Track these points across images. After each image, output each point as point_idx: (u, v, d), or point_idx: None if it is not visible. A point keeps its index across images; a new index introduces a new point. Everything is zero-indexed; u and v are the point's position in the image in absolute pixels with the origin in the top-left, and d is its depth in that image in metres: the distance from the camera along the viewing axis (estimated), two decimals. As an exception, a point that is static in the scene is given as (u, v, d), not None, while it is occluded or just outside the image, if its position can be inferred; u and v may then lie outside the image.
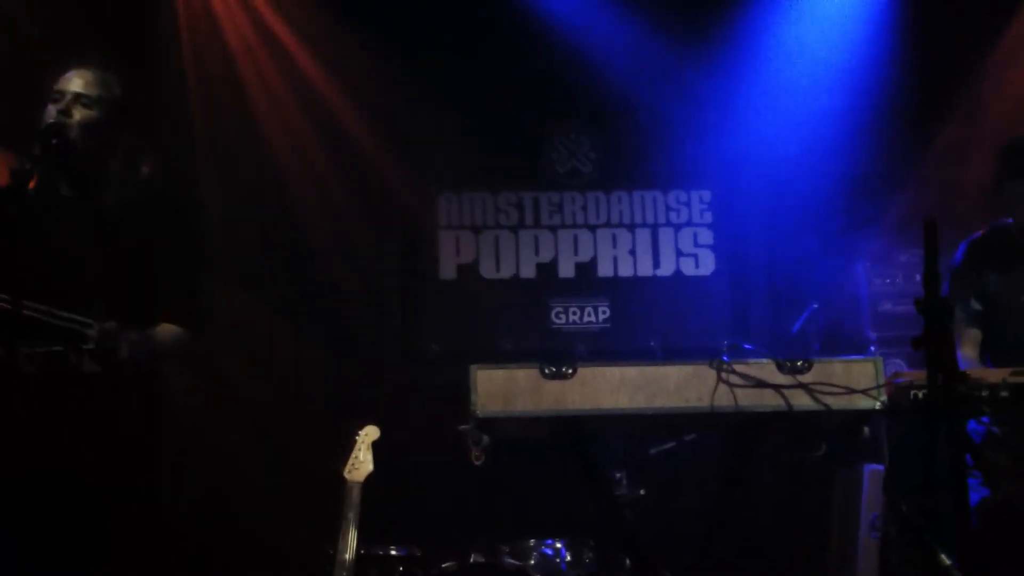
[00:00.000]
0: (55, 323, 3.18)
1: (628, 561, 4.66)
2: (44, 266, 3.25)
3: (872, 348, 5.04)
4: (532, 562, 4.68)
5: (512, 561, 4.66)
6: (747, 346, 3.35)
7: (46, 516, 3.17)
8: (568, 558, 4.71)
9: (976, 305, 3.97)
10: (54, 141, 3.28)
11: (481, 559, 4.59)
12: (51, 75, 3.48)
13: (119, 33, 5.37)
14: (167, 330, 3.42)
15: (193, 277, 3.56)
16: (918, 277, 5.08)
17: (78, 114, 3.35)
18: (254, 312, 5.74)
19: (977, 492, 3.50)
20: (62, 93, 3.37)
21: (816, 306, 5.12)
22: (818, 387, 3.19)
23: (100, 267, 3.35)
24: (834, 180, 5.88)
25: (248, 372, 5.65)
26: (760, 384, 3.20)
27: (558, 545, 4.71)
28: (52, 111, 3.34)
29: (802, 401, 3.20)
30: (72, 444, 3.23)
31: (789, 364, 3.22)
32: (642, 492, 4.83)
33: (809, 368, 3.22)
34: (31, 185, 3.18)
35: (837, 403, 3.20)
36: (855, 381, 3.22)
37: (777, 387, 3.19)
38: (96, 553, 3.21)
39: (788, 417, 3.21)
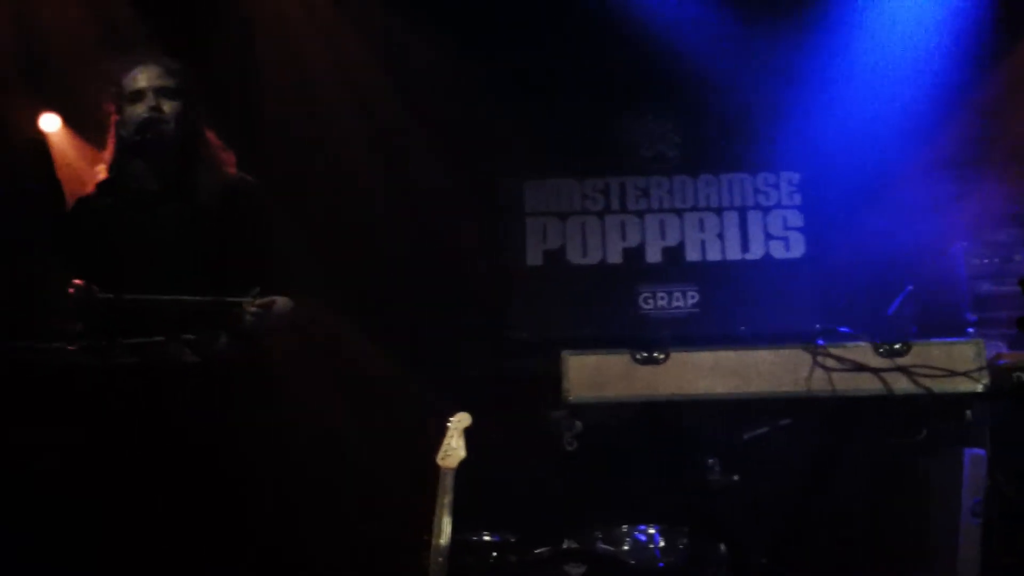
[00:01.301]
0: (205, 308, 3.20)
1: (723, 547, 4.62)
2: (138, 262, 3.31)
3: (970, 330, 4.92)
4: (625, 548, 4.67)
5: (605, 547, 4.65)
6: (843, 329, 3.29)
7: (147, 503, 3.24)
8: (662, 544, 4.68)
9: None
10: (148, 135, 3.31)
11: (574, 545, 4.59)
12: (109, 73, 3.48)
13: (182, 24, 5.47)
14: (284, 301, 3.43)
15: (274, 263, 3.60)
16: (1018, 256, 4.97)
17: (167, 107, 3.36)
18: (339, 302, 5.80)
19: None
20: (141, 92, 3.37)
21: (912, 288, 5.01)
22: (918, 370, 3.13)
23: (197, 258, 3.39)
24: (926, 158, 5.75)
25: (338, 364, 5.71)
26: (857, 367, 3.14)
27: (651, 531, 4.68)
28: (139, 109, 3.35)
29: (901, 385, 3.14)
30: (171, 434, 3.29)
31: (887, 347, 3.16)
32: (735, 478, 4.78)
33: (907, 351, 3.16)
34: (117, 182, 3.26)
35: (938, 386, 3.13)
36: (955, 363, 3.15)
37: (875, 370, 3.14)
38: (193, 543, 3.28)
39: (887, 401, 3.15)
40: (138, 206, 3.36)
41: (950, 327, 4.88)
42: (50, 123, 5.95)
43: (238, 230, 3.46)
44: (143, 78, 3.39)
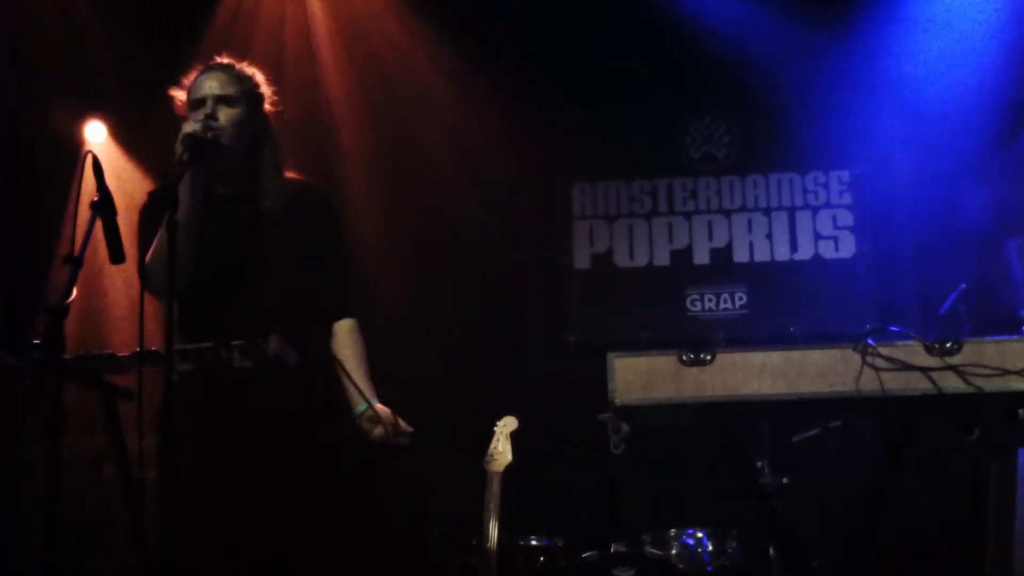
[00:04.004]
0: None
1: (772, 550, 4.59)
2: (211, 267, 3.32)
3: (1025, 328, 4.84)
4: (674, 552, 4.65)
5: (653, 551, 4.63)
6: (893, 328, 3.23)
7: (204, 506, 3.27)
8: (710, 548, 4.66)
9: None
10: (202, 144, 3.31)
11: (622, 549, 4.58)
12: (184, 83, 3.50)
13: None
14: (350, 327, 3.56)
15: (348, 269, 3.65)
16: (1073, 253, 4.88)
17: (223, 115, 3.36)
18: (391, 307, 5.82)
19: None
20: (203, 100, 3.39)
21: (964, 286, 4.94)
22: (969, 369, 3.07)
23: (266, 266, 3.42)
24: (979, 155, 5.67)
25: (387, 366, 5.72)
26: (908, 367, 3.08)
27: (700, 535, 4.66)
28: (198, 116, 3.34)
29: (953, 384, 3.07)
30: (225, 437, 3.32)
31: (938, 346, 3.09)
32: (785, 480, 4.75)
33: (959, 349, 3.09)
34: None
35: (990, 385, 3.06)
36: (1009, 362, 3.08)
37: (926, 370, 3.08)
38: (247, 545, 3.30)
39: (938, 401, 3.09)
40: (205, 210, 3.36)
41: (1004, 325, 4.81)
42: (96, 132, 5.98)
43: (305, 236, 3.49)
44: (207, 86, 3.41)
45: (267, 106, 3.53)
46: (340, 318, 3.58)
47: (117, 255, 3.05)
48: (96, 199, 2.93)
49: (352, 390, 3.51)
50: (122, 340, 5.47)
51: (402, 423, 3.54)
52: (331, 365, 3.52)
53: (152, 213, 3.33)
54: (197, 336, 3.20)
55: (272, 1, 6.05)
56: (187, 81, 3.50)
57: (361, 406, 3.51)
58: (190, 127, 3.27)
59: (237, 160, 3.43)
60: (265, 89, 3.53)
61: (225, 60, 3.52)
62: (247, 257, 3.41)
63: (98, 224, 2.96)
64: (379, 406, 3.53)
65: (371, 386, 3.56)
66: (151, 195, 3.34)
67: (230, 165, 3.43)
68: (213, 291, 3.33)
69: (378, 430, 3.51)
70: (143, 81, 5.38)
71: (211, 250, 3.34)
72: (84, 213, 2.95)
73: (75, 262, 2.79)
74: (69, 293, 2.75)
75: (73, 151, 5.74)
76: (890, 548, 4.80)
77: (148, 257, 3.26)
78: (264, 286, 3.39)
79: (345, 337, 3.57)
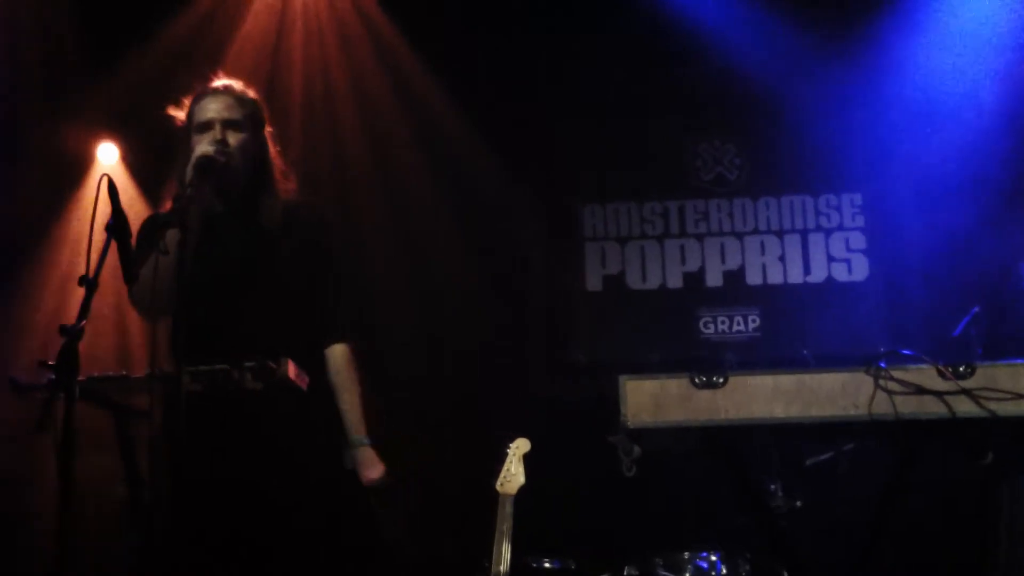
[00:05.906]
0: None
1: (786, 574, 4.56)
2: (211, 285, 3.34)
3: (1039, 352, 4.81)
4: (687, 575, 4.63)
5: (666, 574, 4.61)
6: (906, 351, 3.23)
7: (214, 529, 3.27)
8: (724, 571, 4.63)
9: None
10: (215, 167, 3.34)
11: (635, 572, 4.56)
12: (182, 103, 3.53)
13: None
14: (344, 353, 3.53)
15: (350, 291, 3.64)
16: (1087, 276, 4.86)
17: (232, 139, 3.40)
18: (401, 328, 5.83)
19: None
20: (209, 123, 3.41)
21: (978, 309, 4.93)
22: (983, 393, 3.06)
23: (264, 284, 3.43)
24: (991, 177, 5.66)
25: (397, 388, 5.74)
26: (920, 391, 3.08)
27: (713, 558, 4.64)
28: (207, 139, 3.38)
29: (966, 408, 3.06)
30: (234, 457, 3.33)
31: (951, 369, 3.09)
32: (798, 504, 4.73)
33: (972, 373, 3.08)
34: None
35: (1003, 409, 3.05)
36: (1021, 386, 3.08)
37: (939, 394, 3.07)
38: (248, 565, 3.31)
39: (951, 425, 3.09)
40: (203, 228, 3.37)
41: (1018, 349, 4.79)
42: (108, 154, 6.00)
43: (298, 254, 3.50)
44: (212, 109, 3.43)
45: (265, 128, 3.56)
46: (333, 343, 3.56)
47: (131, 276, 3.07)
48: (111, 222, 2.95)
49: (346, 425, 3.51)
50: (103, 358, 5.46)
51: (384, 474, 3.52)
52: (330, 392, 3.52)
53: (151, 233, 3.32)
54: (195, 355, 3.19)
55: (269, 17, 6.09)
56: (187, 101, 3.51)
57: (353, 444, 3.51)
58: (202, 150, 3.30)
59: (240, 181, 3.45)
60: (262, 111, 3.56)
61: (225, 82, 3.55)
62: (247, 275, 3.42)
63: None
64: (367, 453, 3.50)
65: (364, 421, 3.55)
66: (160, 217, 3.35)
67: (233, 186, 3.45)
68: (213, 310, 3.32)
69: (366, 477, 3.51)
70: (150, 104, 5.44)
71: (211, 268, 3.35)
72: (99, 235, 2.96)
73: (91, 284, 2.80)
74: (84, 315, 2.76)
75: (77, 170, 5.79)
76: (900, 571, 4.76)
77: (143, 279, 3.18)
78: (265, 305, 3.40)
79: (339, 365, 3.55)
